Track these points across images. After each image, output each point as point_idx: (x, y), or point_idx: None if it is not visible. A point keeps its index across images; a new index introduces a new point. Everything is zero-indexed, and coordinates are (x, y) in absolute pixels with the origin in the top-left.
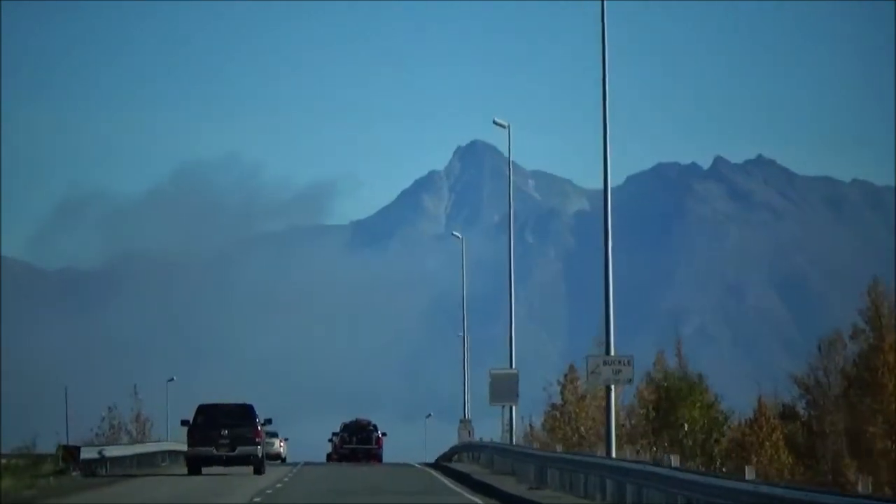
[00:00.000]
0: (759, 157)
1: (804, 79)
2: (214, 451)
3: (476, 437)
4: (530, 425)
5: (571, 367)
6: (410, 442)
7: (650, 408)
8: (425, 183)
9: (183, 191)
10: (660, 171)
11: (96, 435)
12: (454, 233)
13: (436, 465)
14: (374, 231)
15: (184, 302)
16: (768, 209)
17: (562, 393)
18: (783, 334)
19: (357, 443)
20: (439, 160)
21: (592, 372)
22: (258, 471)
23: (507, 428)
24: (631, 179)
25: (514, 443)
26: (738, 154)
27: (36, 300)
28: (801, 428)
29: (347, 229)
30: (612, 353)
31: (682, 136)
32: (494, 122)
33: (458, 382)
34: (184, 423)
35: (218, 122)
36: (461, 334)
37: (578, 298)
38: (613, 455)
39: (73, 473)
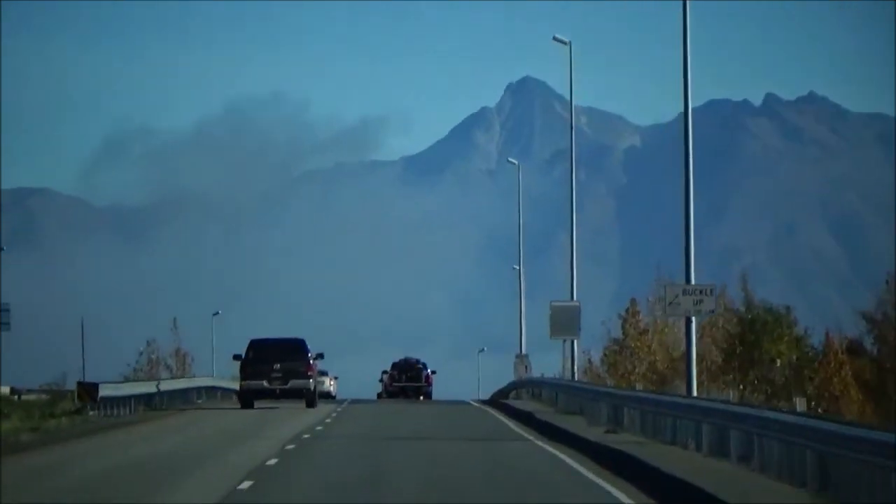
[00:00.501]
0: (811, 93)
1: (857, 14)
2: (266, 385)
3: (533, 374)
4: (589, 361)
5: (633, 301)
6: (463, 378)
7: (736, 341)
8: (477, 119)
9: (230, 129)
10: (712, 107)
11: (134, 370)
12: (510, 159)
13: (492, 403)
14: (425, 166)
15: (231, 240)
16: (820, 146)
17: (623, 327)
18: (836, 272)
19: (406, 381)
20: (490, 97)
21: (671, 303)
22: (310, 404)
23: (567, 363)
24: (682, 116)
25: (576, 379)
26: (789, 91)
27: (85, 235)
28: (869, 364)
29: (398, 165)
30: (692, 282)
31: (734, 73)
32: (554, 39)
33: (510, 317)
34: (236, 357)
35: (265, 59)
36: (517, 267)
37: (630, 235)
38: (694, 393)
39: (91, 413)
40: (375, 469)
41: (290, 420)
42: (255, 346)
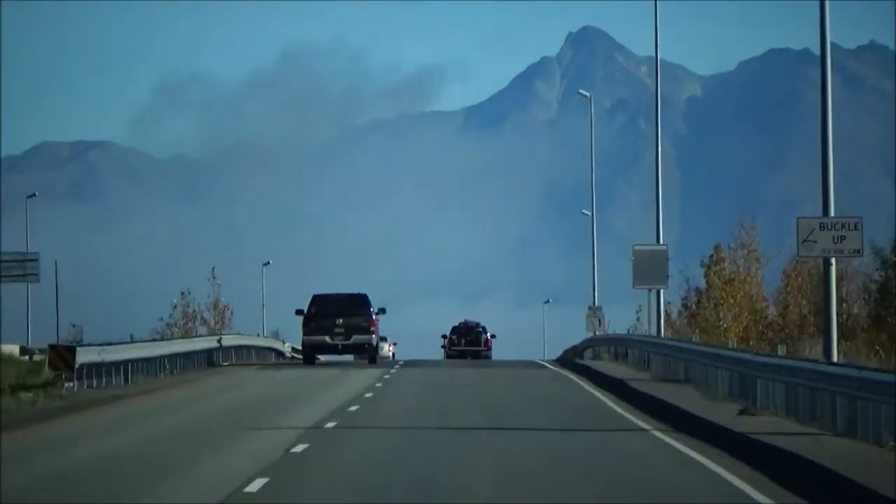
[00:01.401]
0: (872, 42)
1: None
2: (329, 340)
3: (607, 329)
4: (666, 313)
5: (717, 248)
6: (525, 332)
7: (873, 289)
8: (538, 69)
9: (286, 76)
10: (772, 57)
11: (167, 325)
12: (581, 91)
13: (568, 364)
14: (486, 117)
15: (289, 190)
16: (881, 95)
17: (706, 276)
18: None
19: (465, 344)
20: (551, 46)
21: (805, 240)
22: (372, 360)
23: (652, 316)
24: (743, 65)
25: (662, 335)
26: (850, 40)
27: (145, 187)
28: None
29: (459, 115)
30: (832, 214)
31: (793, 22)
32: None
33: (570, 269)
34: (298, 312)
35: (322, 6)
36: (587, 212)
37: (691, 185)
38: (834, 357)
39: (67, 385)
40: (433, 472)
41: (328, 390)
42: (318, 301)
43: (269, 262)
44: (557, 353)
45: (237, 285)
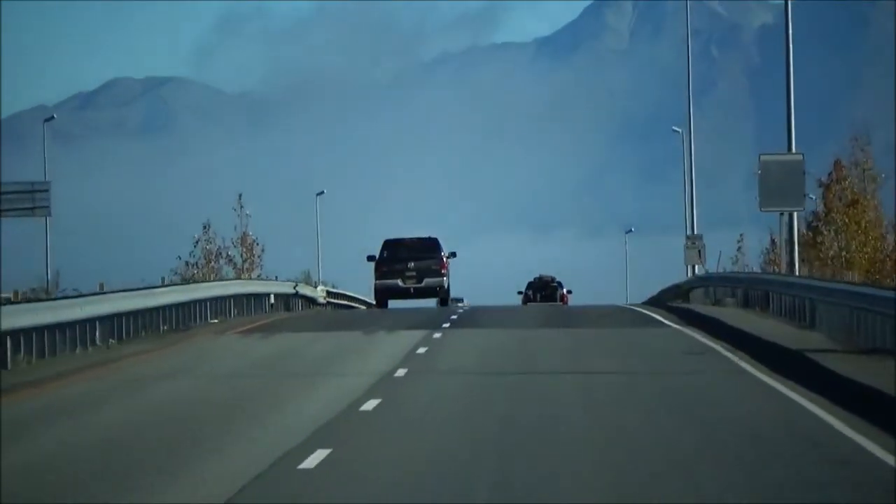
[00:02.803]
0: None
1: None
2: (401, 284)
3: (706, 263)
4: (772, 242)
5: (837, 164)
6: (601, 261)
7: None
8: None
9: (352, 5)
10: None
11: (187, 265)
12: (674, 128)
13: (682, 314)
14: (558, 47)
15: (355, 124)
16: None
17: (824, 197)
18: None
19: (541, 300)
20: None
21: None
22: (444, 303)
23: (783, 245)
24: None
25: (792, 272)
26: None
27: (215, 122)
28: None
29: (531, 46)
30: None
31: None
32: None
33: (646, 198)
34: (370, 258)
35: None
36: (678, 129)
37: (764, 113)
38: None
39: None
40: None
41: (350, 363)
42: (389, 245)
43: (323, 192)
44: (642, 290)
45: (288, 217)
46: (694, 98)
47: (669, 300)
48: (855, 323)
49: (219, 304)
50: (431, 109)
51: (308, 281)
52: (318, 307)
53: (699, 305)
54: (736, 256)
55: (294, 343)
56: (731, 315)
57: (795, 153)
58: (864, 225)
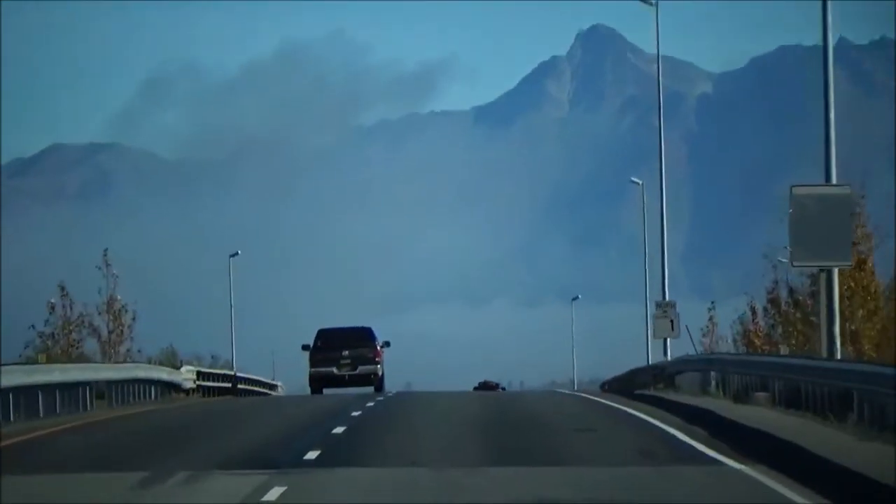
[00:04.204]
0: (883, 37)
1: None
2: (336, 372)
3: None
4: (752, 310)
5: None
6: (538, 331)
7: None
8: (548, 68)
9: (282, 70)
10: (783, 53)
11: (41, 337)
12: (633, 179)
13: (689, 417)
14: (497, 116)
15: (296, 189)
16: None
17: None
18: None
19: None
20: (560, 45)
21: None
22: (378, 389)
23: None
24: (754, 61)
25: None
26: (861, 35)
27: (153, 188)
28: None
29: (469, 115)
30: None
31: (803, 18)
32: None
33: (575, 265)
34: (304, 347)
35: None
36: (638, 181)
37: (703, 181)
38: None
39: None
40: None
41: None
42: (323, 334)
43: (237, 253)
44: (592, 365)
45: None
46: (634, 166)
47: (642, 386)
48: None
49: (23, 397)
50: (367, 177)
51: (172, 359)
52: (179, 395)
53: (699, 399)
54: (708, 327)
55: None
56: (759, 416)
57: (841, 184)
58: (874, 291)
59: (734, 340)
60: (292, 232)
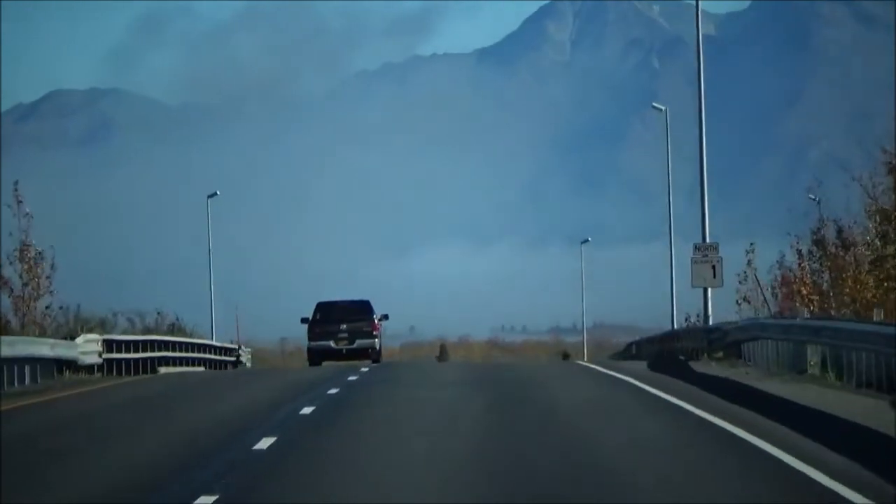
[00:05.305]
0: None
1: None
2: (333, 345)
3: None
4: (799, 253)
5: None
6: (544, 272)
7: None
8: (549, 10)
9: (282, 10)
10: None
11: None
12: (655, 104)
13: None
14: (498, 58)
15: (295, 133)
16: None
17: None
18: None
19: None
20: None
21: None
22: (376, 361)
23: None
24: (755, 4)
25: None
26: None
27: (154, 135)
28: None
29: (472, 57)
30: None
31: None
32: None
33: (581, 208)
34: (303, 320)
35: None
36: (661, 107)
37: (706, 123)
38: None
39: None
40: None
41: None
42: (322, 307)
43: (216, 193)
44: (600, 310)
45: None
46: (637, 108)
47: (689, 354)
48: None
49: None
50: (369, 120)
51: (81, 323)
52: (78, 375)
53: (815, 389)
54: (744, 273)
55: None
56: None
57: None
58: None
59: (771, 288)
60: (293, 174)
